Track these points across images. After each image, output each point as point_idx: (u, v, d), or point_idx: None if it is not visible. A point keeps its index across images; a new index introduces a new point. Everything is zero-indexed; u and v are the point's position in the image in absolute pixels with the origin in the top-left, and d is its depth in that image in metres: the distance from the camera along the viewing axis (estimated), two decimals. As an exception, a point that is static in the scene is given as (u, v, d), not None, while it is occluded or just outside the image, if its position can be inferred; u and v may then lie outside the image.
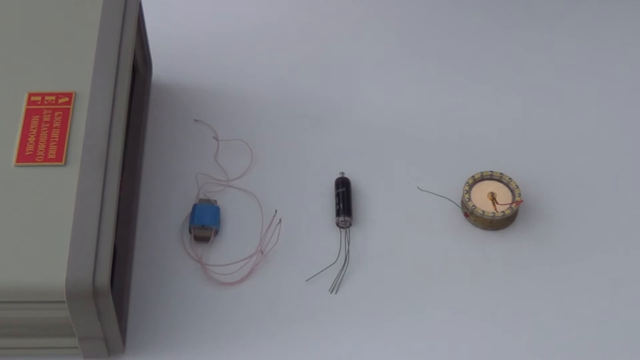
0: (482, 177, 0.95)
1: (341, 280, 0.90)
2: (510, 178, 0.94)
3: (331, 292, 0.89)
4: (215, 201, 0.95)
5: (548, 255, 0.92)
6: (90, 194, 0.80)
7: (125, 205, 0.91)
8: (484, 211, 0.92)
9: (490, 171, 0.95)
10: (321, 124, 1.02)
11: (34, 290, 0.76)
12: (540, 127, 1.01)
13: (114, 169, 0.82)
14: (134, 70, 1.00)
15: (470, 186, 0.94)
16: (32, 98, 0.87)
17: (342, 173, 0.96)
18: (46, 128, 0.85)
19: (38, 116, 0.85)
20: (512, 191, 0.94)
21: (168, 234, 0.93)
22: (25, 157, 0.83)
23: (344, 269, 0.90)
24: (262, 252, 0.91)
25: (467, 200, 0.93)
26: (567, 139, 1.00)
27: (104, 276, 0.76)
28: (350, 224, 0.93)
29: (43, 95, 0.87)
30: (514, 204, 0.92)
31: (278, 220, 0.92)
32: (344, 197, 0.94)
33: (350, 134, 1.01)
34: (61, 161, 0.83)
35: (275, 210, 0.93)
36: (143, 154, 0.98)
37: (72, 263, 0.77)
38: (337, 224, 0.93)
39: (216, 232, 0.93)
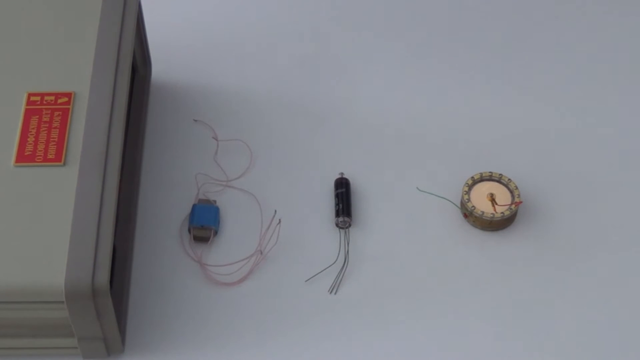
0: (482, 178, 0.95)
1: (340, 280, 0.90)
2: (509, 179, 0.94)
3: (330, 293, 0.89)
4: (215, 201, 0.95)
5: (547, 256, 0.92)
6: (90, 194, 0.80)
7: (124, 205, 0.91)
8: (483, 212, 0.92)
9: (490, 172, 0.95)
10: (321, 124, 1.02)
11: (33, 290, 0.76)
12: (540, 128, 1.01)
13: (113, 169, 0.82)
14: (134, 70, 1.00)
15: (470, 187, 0.94)
16: (32, 98, 0.87)
17: (342, 173, 0.96)
18: (45, 128, 0.85)
19: (37, 116, 0.85)
20: (511, 192, 0.94)
21: (167, 234, 0.93)
22: (24, 157, 0.83)
23: (344, 270, 0.90)
24: (261, 253, 0.91)
25: (466, 201, 0.93)
26: (567, 140, 1.00)
27: (103, 276, 0.76)
28: (350, 225, 0.93)
29: (42, 95, 0.87)
30: (514, 205, 0.92)
31: (277, 221, 0.92)
32: (344, 197, 0.94)
33: (350, 134, 1.01)
34: (60, 161, 0.82)
35: (275, 211, 0.93)
36: (142, 154, 0.98)
37: (71, 263, 0.76)
38: (337, 225, 0.93)
39: (215, 233, 0.92)
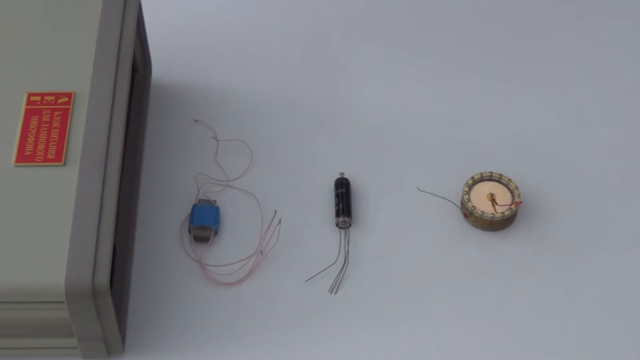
0: (482, 178, 0.95)
1: (341, 280, 0.90)
2: (509, 179, 0.94)
3: (331, 293, 0.89)
4: (215, 201, 0.95)
5: (547, 256, 0.92)
6: (90, 194, 0.80)
7: (124, 205, 0.91)
8: (483, 212, 0.92)
9: (490, 172, 0.95)
10: (321, 124, 1.02)
11: (33, 290, 0.76)
12: (539, 128, 1.01)
13: (113, 169, 0.82)
14: (134, 70, 1.00)
15: (470, 187, 0.94)
16: (32, 98, 0.87)
17: (342, 173, 0.96)
18: (45, 128, 0.85)
19: (37, 116, 0.85)
20: (511, 192, 0.94)
21: (168, 234, 0.93)
22: (24, 157, 0.83)
23: (344, 270, 0.90)
24: (261, 253, 0.91)
25: (466, 200, 0.93)
26: (566, 140, 1.00)
27: (104, 276, 0.76)
28: (350, 225, 0.93)
29: (42, 95, 0.87)
30: (514, 205, 0.92)
31: (278, 221, 0.92)
32: (344, 197, 0.94)
33: (350, 134, 1.01)
34: (60, 161, 0.82)
35: (275, 211, 0.93)
36: (142, 154, 0.98)
37: (72, 263, 0.77)
38: (337, 225, 0.93)
39: (216, 233, 0.92)
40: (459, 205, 0.95)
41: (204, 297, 0.89)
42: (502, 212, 0.92)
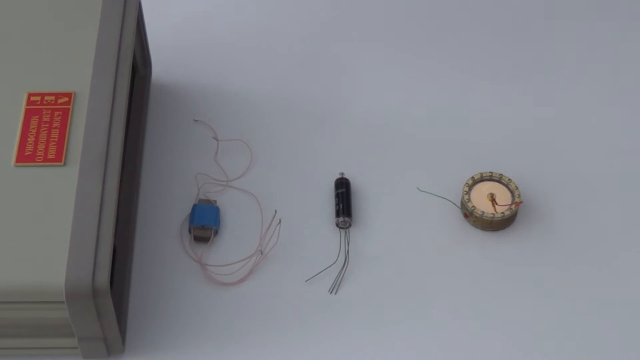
0: (482, 178, 0.95)
1: (341, 280, 0.90)
2: (509, 179, 0.94)
3: (331, 293, 0.89)
4: (215, 201, 0.95)
5: (547, 256, 0.92)
6: (90, 194, 0.80)
7: (125, 205, 0.91)
8: (483, 212, 0.92)
9: (490, 172, 0.95)
10: (321, 124, 1.02)
11: (34, 290, 0.76)
12: (540, 128, 1.01)
13: (113, 169, 0.82)
14: (134, 70, 1.00)
15: (470, 187, 0.94)
16: (32, 98, 0.87)
17: (342, 173, 0.96)
18: (45, 128, 0.85)
19: (37, 116, 0.85)
20: (511, 192, 0.94)
21: (168, 234, 0.93)
22: (24, 157, 0.83)
23: (344, 270, 0.90)
24: (261, 253, 0.91)
25: (466, 201, 0.93)
26: (566, 140, 1.00)
27: (104, 276, 0.76)
28: (350, 225, 0.93)
29: (42, 95, 0.87)
30: (514, 205, 0.92)
31: (278, 221, 0.92)
32: (344, 197, 0.94)
33: (350, 134, 1.01)
34: (61, 161, 0.83)
35: (275, 211, 0.93)
36: (143, 154, 0.98)
37: (72, 263, 0.77)
38: (337, 225, 0.93)
39: (216, 233, 0.93)
40: (459, 205, 0.95)
41: (204, 297, 0.89)
42: (502, 212, 0.92)
